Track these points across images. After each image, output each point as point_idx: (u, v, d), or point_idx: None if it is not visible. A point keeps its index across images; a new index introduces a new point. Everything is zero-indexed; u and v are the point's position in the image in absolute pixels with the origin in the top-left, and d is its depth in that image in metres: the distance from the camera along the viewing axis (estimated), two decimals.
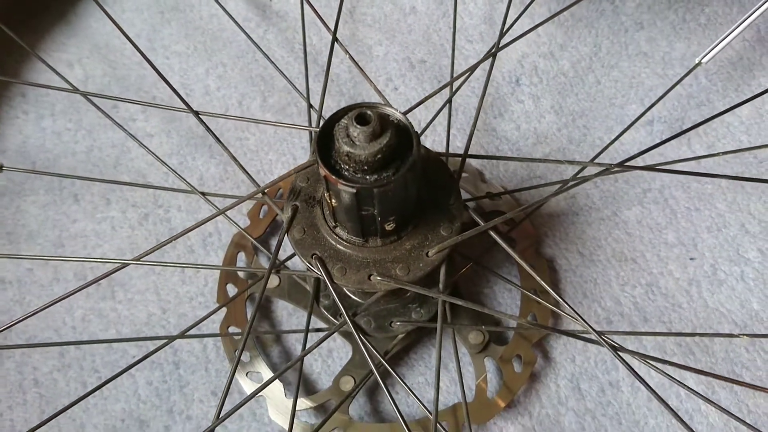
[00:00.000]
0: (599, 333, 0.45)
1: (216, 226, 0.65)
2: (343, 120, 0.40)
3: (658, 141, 0.65)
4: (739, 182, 0.64)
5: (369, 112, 0.39)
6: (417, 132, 0.42)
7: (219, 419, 0.44)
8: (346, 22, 0.75)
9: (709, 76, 0.68)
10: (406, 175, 0.41)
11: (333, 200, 0.43)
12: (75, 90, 0.60)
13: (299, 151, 0.68)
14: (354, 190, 0.40)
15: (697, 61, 0.56)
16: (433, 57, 0.72)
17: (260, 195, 0.52)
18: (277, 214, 0.64)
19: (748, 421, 0.56)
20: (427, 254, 0.46)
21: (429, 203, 0.47)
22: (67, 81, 0.60)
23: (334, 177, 0.40)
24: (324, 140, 0.41)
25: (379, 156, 0.40)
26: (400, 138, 0.41)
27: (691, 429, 0.43)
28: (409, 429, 0.46)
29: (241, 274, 0.62)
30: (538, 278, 0.47)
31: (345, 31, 0.75)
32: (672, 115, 0.67)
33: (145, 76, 0.65)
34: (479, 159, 0.66)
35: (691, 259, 0.61)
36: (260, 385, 0.47)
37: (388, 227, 0.44)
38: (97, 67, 0.74)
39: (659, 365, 0.45)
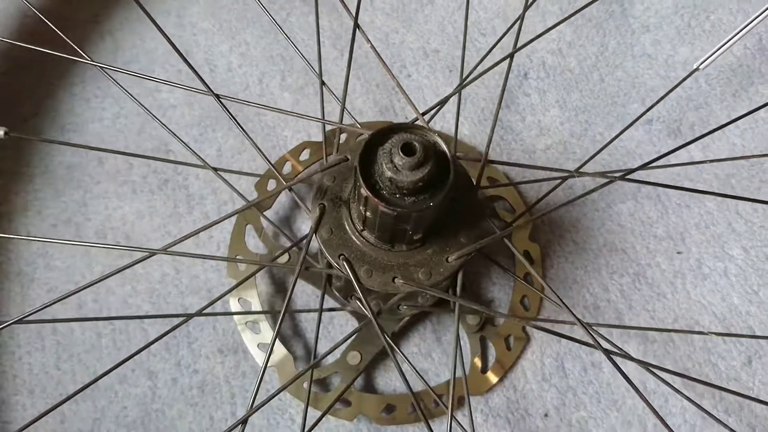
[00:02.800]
0: (586, 324, 0.48)
1: (231, 195, 0.69)
2: (387, 144, 0.42)
3: (656, 139, 0.69)
4: (729, 183, 0.67)
5: (415, 142, 0.41)
6: (454, 159, 0.43)
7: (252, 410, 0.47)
8: (366, 9, 0.78)
9: (709, 80, 0.71)
10: (442, 201, 0.42)
11: (368, 213, 0.45)
12: (96, 64, 0.63)
13: (314, 129, 0.72)
14: (395, 213, 0.42)
15: (695, 67, 0.59)
16: (446, 47, 0.76)
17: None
18: (282, 189, 0.67)
19: (719, 408, 0.59)
20: (447, 259, 0.48)
21: (451, 211, 0.49)
22: (86, 56, 0.64)
23: (375, 200, 0.42)
24: (364, 157, 0.42)
25: (420, 184, 0.41)
26: (440, 164, 0.42)
27: (664, 420, 0.45)
28: (416, 399, 0.48)
29: (249, 247, 0.66)
30: (538, 277, 0.50)
31: (364, 18, 0.78)
32: (670, 116, 0.70)
33: (173, 51, 0.68)
34: (482, 144, 0.70)
35: (678, 252, 0.65)
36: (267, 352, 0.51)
37: (416, 237, 0.47)
38: (127, 39, 0.78)
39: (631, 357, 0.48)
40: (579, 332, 0.61)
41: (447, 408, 0.52)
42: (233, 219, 0.68)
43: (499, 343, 0.61)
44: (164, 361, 0.63)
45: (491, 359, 0.61)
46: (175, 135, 0.62)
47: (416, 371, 0.54)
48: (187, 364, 0.63)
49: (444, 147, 0.43)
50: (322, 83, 0.63)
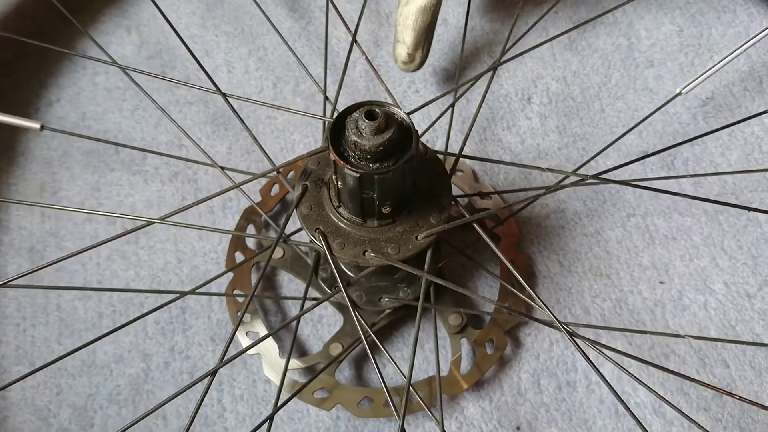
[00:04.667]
0: (561, 323, 0.51)
1: (236, 193, 0.72)
2: (354, 114, 0.46)
3: (649, 171, 0.71)
4: (717, 220, 0.69)
5: (377, 109, 0.45)
6: (417, 131, 0.47)
7: (222, 363, 0.51)
8: (381, 24, 0.81)
9: (707, 118, 0.73)
10: (403, 167, 0.46)
11: (339, 182, 0.49)
12: (114, 63, 0.67)
13: (320, 134, 0.75)
14: (357, 175, 0.46)
15: (678, 91, 0.62)
16: (455, 67, 0.78)
17: (274, 173, 0.59)
18: (285, 194, 0.70)
19: (702, 420, 0.61)
20: (416, 238, 0.51)
21: (423, 195, 0.52)
22: (108, 55, 0.68)
23: (342, 162, 0.46)
24: (336, 130, 0.47)
25: (381, 148, 0.45)
26: (402, 134, 0.46)
27: (640, 422, 0.48)
28: (388, 391, 0.51)
29: (249, 243, 0.69)
30: (511, 268, 0.52)
31: (380, 33, 0.81)
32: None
33: (194, 49, 0.71)
34: (476, 162, 0.72)
35: (660, 282, 0.67)
36: (257, 339, 0.54)
37: (385, 210, 0.50)
38: (152, 35, 0.81)
39: (611, 354, 0.51)
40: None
41: (423, 403, 0.55)
42: (236, 218, 0.71)
43: (479, 347, 0.63)
44: (159, 345, 0.67)
45: (471, 362, 0.64)
46: (186, 133, 0.65)
47: (393, 360, 0.56)
48: (180, 349, 0.66)
49: (407, 119, 0.47)
50: (326, 98, 0.66)
